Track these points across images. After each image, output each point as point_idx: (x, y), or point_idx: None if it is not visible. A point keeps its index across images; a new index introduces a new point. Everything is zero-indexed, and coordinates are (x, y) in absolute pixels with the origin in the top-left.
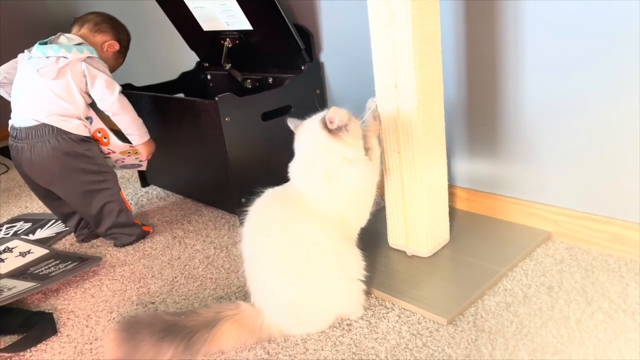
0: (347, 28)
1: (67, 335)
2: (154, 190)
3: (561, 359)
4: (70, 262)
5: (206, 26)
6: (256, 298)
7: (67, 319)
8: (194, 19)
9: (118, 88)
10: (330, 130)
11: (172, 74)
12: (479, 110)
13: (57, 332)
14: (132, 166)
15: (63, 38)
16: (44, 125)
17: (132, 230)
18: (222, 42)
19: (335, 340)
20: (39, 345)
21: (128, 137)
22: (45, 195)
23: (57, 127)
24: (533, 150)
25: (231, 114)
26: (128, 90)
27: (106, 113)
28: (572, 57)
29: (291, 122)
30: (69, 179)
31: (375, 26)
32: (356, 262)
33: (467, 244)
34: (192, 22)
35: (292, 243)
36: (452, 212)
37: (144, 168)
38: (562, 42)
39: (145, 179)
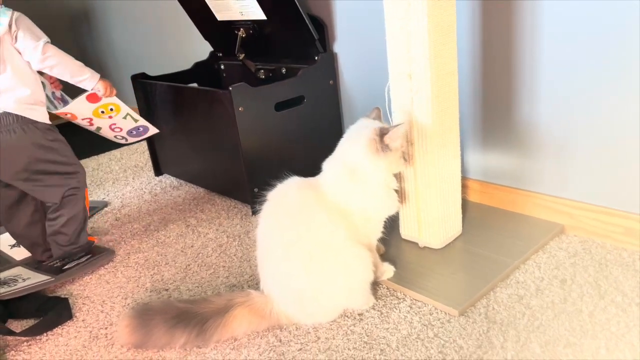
0: (361, 18)
1: (83, 320)
2: (167, 179)
3: (573, 351)
4: (84, 254)
5: (220, 16)
6: (264, 284)
7: (83, 304)
8: (208, 8)
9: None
10: (382, 143)
11: (186, 64)
12: (493, 102)
13: (72, 317)
14: (138, 132)
15: None
16: (8, 113)
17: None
18: (236, 32)
19: (347, 330)
20: (55, 330)
21: (79, 84)
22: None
23: (22, 116)
24: (548, 143)
25: (244, 104)
26: (142, 80)
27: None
28: (590, 49)
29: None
30: (34, 174)
31: (390, 16)
32: (363, 260)
33: (480, 236)
34: (206, 11)
35: (301, 232)
36: (465, 204)
37: (151, 129)
38: (580, 33)
39: (159, 168)
